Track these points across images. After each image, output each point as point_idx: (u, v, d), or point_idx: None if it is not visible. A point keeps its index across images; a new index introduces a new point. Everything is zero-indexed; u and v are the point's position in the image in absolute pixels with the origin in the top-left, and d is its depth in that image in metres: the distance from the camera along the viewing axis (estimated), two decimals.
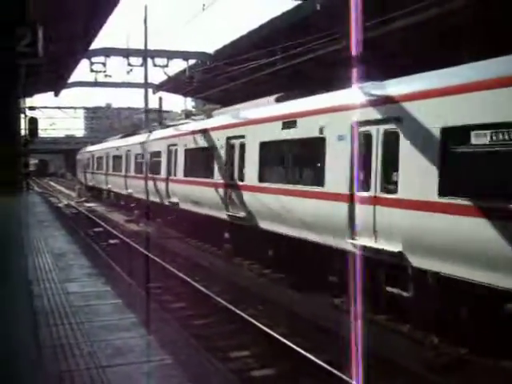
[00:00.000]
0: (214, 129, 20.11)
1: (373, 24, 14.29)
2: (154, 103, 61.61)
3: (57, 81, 31.40)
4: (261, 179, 16.10)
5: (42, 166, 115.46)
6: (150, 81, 42.83)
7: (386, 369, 8.86)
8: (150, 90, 43.83)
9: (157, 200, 27.16)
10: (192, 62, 28.26)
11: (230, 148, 18.50)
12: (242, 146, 17.46)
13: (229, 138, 18.53)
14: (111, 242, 22.37)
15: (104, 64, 27.59)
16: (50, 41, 15.23)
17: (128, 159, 34.74)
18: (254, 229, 16.42)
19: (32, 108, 40.51)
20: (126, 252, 19.71)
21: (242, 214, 17.14)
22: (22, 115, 34.72)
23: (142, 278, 14.34)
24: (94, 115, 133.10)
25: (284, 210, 14.31)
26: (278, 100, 17.01)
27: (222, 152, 18.89)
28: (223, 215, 18.63)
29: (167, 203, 25.24)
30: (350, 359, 7.82)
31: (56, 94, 38.19)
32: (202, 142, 21.01)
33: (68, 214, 32.93)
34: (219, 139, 19.20)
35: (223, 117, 20.41)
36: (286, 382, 8.98)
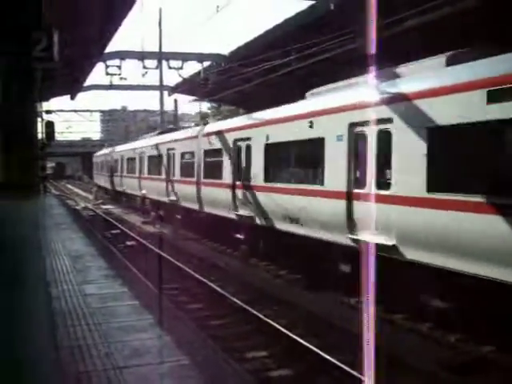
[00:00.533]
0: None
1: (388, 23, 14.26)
2: (169, 105, 61.81)
3: (73, 84, 31.63)
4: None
5: (59, 168, 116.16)
6: (165, 83, 43.09)
7: (400, 368, 8.82)
8: (166, 93, 44.04)
9: (220, 212, 21.24)
10: (207, 63, 28.32)
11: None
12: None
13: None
14: (128, 243, 22.47)
15: (119, 67, 27.66)
16: (65, 45, 15.37)
17: (171, 160, 29.14)
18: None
19: (48, 112, 40.79)
20: (143, 254, 19.79)
21: None
22: (39, 119, 35.06)
23: (158, 280, 14.39)
24: (109, 118, 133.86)
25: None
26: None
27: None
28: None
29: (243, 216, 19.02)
30: (365, 359, 7.79)
31: (72, 98, 38.43)
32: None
33: (85, 216, 33.09)
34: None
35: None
36: (303, 382, 8.98)
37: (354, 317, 10.82)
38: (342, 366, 8.92)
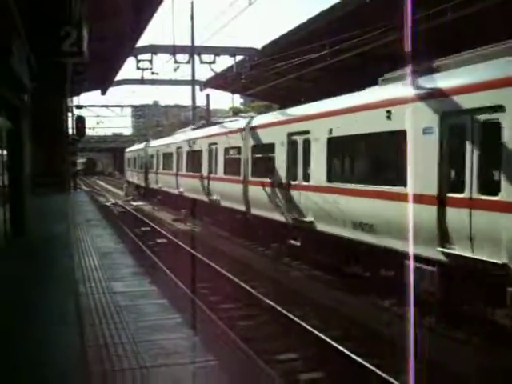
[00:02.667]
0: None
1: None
2: (201, 100, 62.04)
3: (103, 79, 31.76)
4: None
5: (90, 164, 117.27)
6: (197, 78, 43.06)
7: (438, 375, 8.55)
8: (197, 87, 44.04)
9: (271, 215, 19.27)
10: (239, 57, 28.20)
11: None
12: None
13: None
14: (158, 241, 22.45)
15: (151, 61, 27.71)
16: (96, 39, 15.33)
17: (213, 156, 26.72)
18: None
19: (79, 107, 41.16)
20: (172, 251, 19.74)
21: None
22: (70, 114, 35.42)
23: (188, 278, 14.30)
24: (141, 113, 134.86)
25: None
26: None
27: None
28: None
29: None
30: (401, 365, 7.52)
31: (103, 93, 38.69)
32: None
33: (115, 212, 33.26)
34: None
35: None
36: None
37: (391, 321, 10.57)
38: (374, 368, 8.69)
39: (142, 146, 50.69)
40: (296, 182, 17.23)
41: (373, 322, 11.27)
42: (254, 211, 20.99)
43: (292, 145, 17.60)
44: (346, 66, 21.23)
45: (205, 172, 27.61)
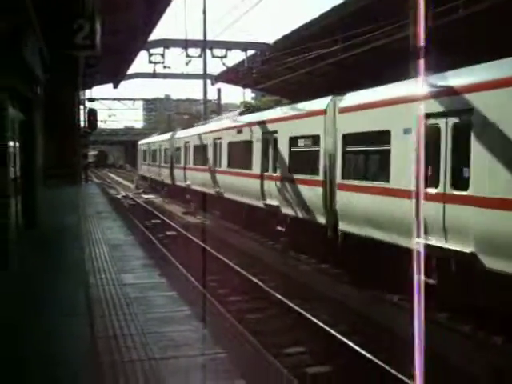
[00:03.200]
0: None
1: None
2: (212, 94, 61.93)
3: (116, 72, 31.83)
4: None
5: (101, 157, 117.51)
6: (208, 72, 43.10)
7: (443, 370, 8.55)
8: (209, 81, 44.08)
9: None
10: (251, 52, 28.20)
11: None
12: None
13: None
14: (168, 233, 22.52)
15: (162, 55, 27.81)
16: (108, 32, 15.38)
17: (269, 148, 20.65)
18: None
19: (91, 100, 41.30)
20: (182, 244, 19.80)
21: None
22: (82, 107, 35.55)
23: (198, 271, 14.36)
24: (152, 106, 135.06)
25: None
26: None
27: None
28: None
29: None
30: (407, 359, 7.53)
31: (115, 86, 38.78)
32: None
33: (125, 205, 33.37)
34: None
35: None
36: (342, 380, 8.80)
37: (398, 315, 10.57)
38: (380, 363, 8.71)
39: (165, 136, 44.06)
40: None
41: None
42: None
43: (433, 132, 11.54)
44: (358, 61, 21.16)
45: (256, 170, 21.46)
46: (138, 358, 6.05)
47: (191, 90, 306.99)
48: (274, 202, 19.59)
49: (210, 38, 36.57)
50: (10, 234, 10.94)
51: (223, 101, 52.92)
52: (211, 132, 29.48)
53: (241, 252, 18.68)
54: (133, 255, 11.83)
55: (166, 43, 28.25)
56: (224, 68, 31.74)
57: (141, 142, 60.26)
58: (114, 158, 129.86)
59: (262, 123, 21.45)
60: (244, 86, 40.74)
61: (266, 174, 20.63)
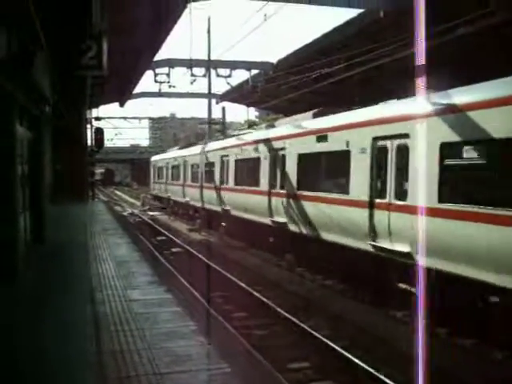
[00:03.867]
0: None
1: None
2: (217, 113, 62.18)
3: (122, 92, 32.11)
4: None
5: (108, 175, 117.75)
6: (213, 91, 43.36)
7: None
8: (214, 100, 44.33)
9: None
10: (255, 71, 28.44)
11: None
12: None
13: None
14: (173, 250, 22.61)
15: (168, 75, 28.05)
16: (115, 53, 15.61)
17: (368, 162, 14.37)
18: None
19: (98, 118, 41.56)
20: (188, 261, 19.89)
21: None
22: (89, 125, 35.79)
23: (204, 287, 14.46)
24: (158, 125, 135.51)
25: None
26: None
27: None
28: None
29: None
30: (411, 374, 7.61)
31: (121, 105, 39.04)
32: None
33: (132, 222, 33.49)
34: None
35: None
36: None
37: (401, 330, 10.62)
38: (385, 379, 8.78)
39: (193, 150, 35.82)
40: None
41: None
42: None
43: None
44: (360, 79, 21.37)
45: (356, 193, 14.84)
46: (144, 372, 6.15)
47: (196, 109, 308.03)
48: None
49: (214, 57, 36.88)
50: (18, 249, 11.10)
51: (228, 119, 53.03)
52: (275, 139, 20.63)
53: None
54: (139, 271, 11.94)
55: (172, 63, 28.50)
56: (228, 87, 31.98)
57: (155, 157, 54.61)
58: (120, 175, 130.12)
59: (340, 129, 15.92)
60: (248, 105, 41.00)
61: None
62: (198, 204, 32.53)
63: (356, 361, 9.64)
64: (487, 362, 10.00)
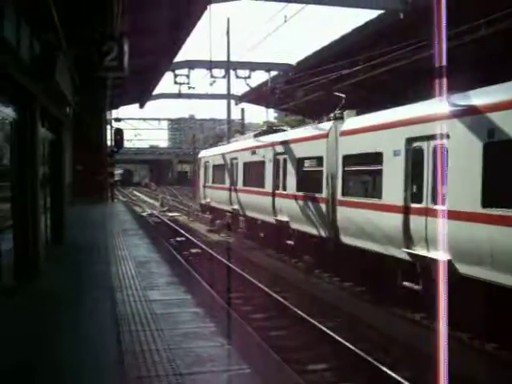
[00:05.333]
0: None
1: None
2: (236, 114, 62.31)
3: (142, 93, 32.28)
4: None
5: (127, 175, 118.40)
6: (232, 92, 43.49)
7: None
8: (233, 102, 44.46)
9: None
10: (274, 73, 28.48)
11: None
12: None
13: None
14: (193, 251, 22.66)
15: (187, 76, 28.18)
16: (135, 54, 15.71)
17: None
18: None
19: (118, 119, 41.85)
20: (207, 262, 19.94)
21: None
22: (109, 126, 36.05)
23: (223, 288, 14.49)
24: (177, 126, 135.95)
25: None
26: None
27: None
28: None
29: None
30: (431, 377, 7.58)
31: (141, 106, 39.28)
32: None
33: (151, 223, 33.62)
34: None
35: None
36: None
37: (421, 333, 10.58)
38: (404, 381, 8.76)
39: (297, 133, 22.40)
40: None
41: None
42: None
43: None
44: (378, 81, 21.31)
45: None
46: (165, 373, 6.16)
47: (215, 110, 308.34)
48: None
49: (233, 58, 36.97)
50: (38, 249, 11.20)
51: (246, 120, 53.17)
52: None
53: None
54: (158, 272, 11.98)
55: (191, 64, 28.64)
56: (248, 88, 32.04)
57: (206, 152, 39.46)
58: (139, 176, 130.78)
59: None
60: (267, 106, 41.04)
61: None
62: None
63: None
64: None
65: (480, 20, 14.38)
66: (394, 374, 9.05)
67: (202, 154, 40.46)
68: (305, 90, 25.15)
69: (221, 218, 32.05)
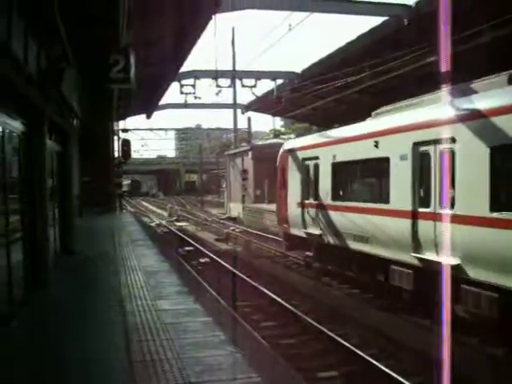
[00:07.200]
0: None
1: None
2: (242, 123, 62.36)
3: (148, 103, 32.41)
4: None
5: (135, 186, 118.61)
6: (238, 101, 43.62)
7: None
8: (239, 111, 44.57)
9: None
10: (280, 81, 28.52)
11: None
12: None
13: None
14: (201, 260, 22.66)
15: (193, 86, 28.23)
16: (141, 65, 15.82)
17: None
18: None
19: (125, 130, 42.01)
20: (215, 271, 19.93)
21: None
22: (116, 137, 36.17)
23: (231, 297, 14.47)
24: (184, 136, 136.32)
25: None
26: None
27: None
28: None
29: None
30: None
31: (148, 117, 39.45)
32: None
33: (159, 232, 33.68)
34: None
35: None
36: None
37: (428, 339, 10.55)
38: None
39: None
40: None
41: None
42: None
43: None
44: (385, 87, 21.33)
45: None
46: (175, 381, 6.18)
47: (222, 119, 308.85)
48: None
49: (239, 67, 37.11)
50: (48, 260, 11.26)
51: (253, 129, 53.24)
52: None
53: None
54: (167, 281, 12.00)
55: (197, 74, 28.69)
56: (254, 97, 32.09)
57: (315, 139, 20.60)
58: (147, 186, 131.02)
59: None
60: (273, 114, 41.13)
61: None
62: None
63: None
64: None
65: (483, 25, 14.39)
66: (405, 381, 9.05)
67: (295, 143, 22.75)
68: (311, 97, 25.21)
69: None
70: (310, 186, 19.86)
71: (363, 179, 16.67)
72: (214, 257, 22.83)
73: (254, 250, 27.24)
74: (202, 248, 25.89)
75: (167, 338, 7.81)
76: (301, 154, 20.66)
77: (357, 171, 16.69)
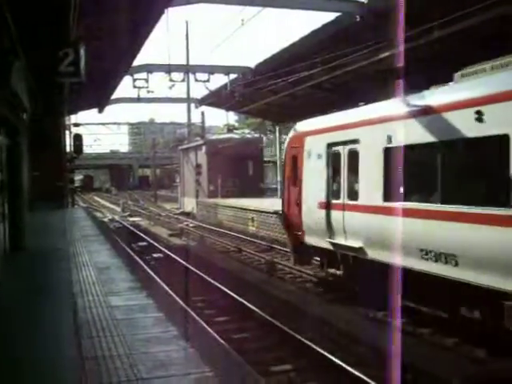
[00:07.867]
0: None
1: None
2: (196, 117, 62.13)
3: (100, 98, 32.02)
4: None
5: (87, 181, 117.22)
6: (192, 95, 43.43)
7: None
8: (193, 105, 44.43)
9: None
10: (233, 76, 28.51)
11: None
12: None
13: None
14: (154, 256, 22.56)
15: (146, 80, 28.02)
16: (92, 59, 15.60)
17: None
18: None
19: (76, 125, 41.47)
20: (169, 266, 19.87)
21: None
22: (67, 132, 35.67)
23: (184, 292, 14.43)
24: (137, 130, 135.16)
25: None
26: None
27: None
28: None
29: None
30: (390, 373, 7.71)
31: (100, 111, 38.96)
32: None
33: (112, 228, 33.35)
34: None
35: None
36: None
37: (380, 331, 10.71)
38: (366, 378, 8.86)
39: None
40: None
41: None
42: None
43: None
44: (337, 83, 21.54)
45: None
46: (127, 378, 6.13)
47: (175, 114, 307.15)
48: None
49: (192, 62, 36.97)
50: None
51: (207, 124, 53.14)
52: None
53: None
54: (119, 277, 11.90)
55: (150, 68, 28.48)
56: (207, 92, 32.03)
57: (341, 116, 15.75)
58: (99, 181, 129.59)
59: None
60: (227, 109, 41.11)
61: None
62: None
63: None
64: None
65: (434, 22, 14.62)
66: (357, 373, 9.14)
67: (316, 124, 17.28)
68: (264, 92, 25.30)
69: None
70: (340, 180, 15.09)
71: (449, 171, 11.14)
72: (168, 252, 22.75)
73: (208, 245, 27.22)
74: (155, 243, 25.76)
75: (119, 334, 7.75)
76: (326, 138, 15.74)
77: (435, 159, 11.39)
